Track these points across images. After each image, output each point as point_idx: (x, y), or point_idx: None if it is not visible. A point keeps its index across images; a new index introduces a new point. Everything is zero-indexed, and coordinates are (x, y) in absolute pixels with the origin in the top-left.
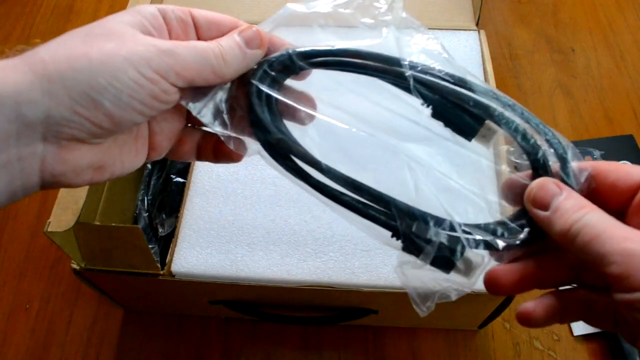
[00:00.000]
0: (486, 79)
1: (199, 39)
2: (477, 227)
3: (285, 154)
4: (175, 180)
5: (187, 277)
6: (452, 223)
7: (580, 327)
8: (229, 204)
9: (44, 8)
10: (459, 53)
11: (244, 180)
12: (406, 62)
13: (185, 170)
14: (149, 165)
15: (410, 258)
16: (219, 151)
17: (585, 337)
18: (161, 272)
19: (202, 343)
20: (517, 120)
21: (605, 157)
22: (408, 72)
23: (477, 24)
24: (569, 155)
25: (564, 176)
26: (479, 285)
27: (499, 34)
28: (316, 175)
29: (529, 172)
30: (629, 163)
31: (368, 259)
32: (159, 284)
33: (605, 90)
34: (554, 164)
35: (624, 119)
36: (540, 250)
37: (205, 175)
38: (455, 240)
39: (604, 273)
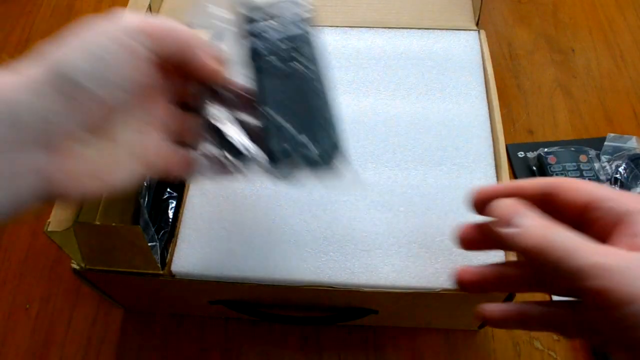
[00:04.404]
0: (486, 79)
1: None
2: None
3: None
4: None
5: (187, 277)
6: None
7: None
8: (229, 204)
9: (44, 8)
10: (458, 53)
11: (243, 180)
12: None
13: None
14: None
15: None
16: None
17: None
18: (161, 272)
19: (202, 343)
20: None
21: (602, 157)
22: None
23: (477, 24)
24: None
25: None
26: None
27: (499, 34)
28: None
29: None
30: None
31: (368, 259)
32: (159, 284)
33: (605, 90)
34: None
35: (624, 119)
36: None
37: None
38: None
39: (579, 288)
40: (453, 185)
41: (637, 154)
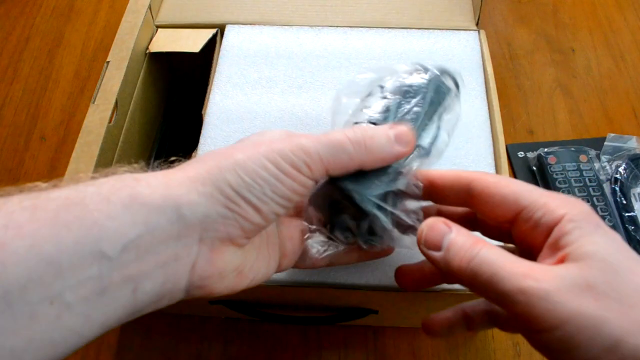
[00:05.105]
0: (486, 79)
1: None
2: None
3: None
4: None
5: None
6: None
7: None
8: None
9: (44, 8)
10: (458, 53)
11: None
12: None
13: None
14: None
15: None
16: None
17: None
18: None
19: (202, 343)
20: None
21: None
22: None
23: (477, 24)
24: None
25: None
26: None
27: (499, 34)
28: None
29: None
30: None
31: None
32: None
33: (605, 90)
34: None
35: (624, 119)
36: None
37: None
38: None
39: (509, 311)
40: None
41: (637, 154)
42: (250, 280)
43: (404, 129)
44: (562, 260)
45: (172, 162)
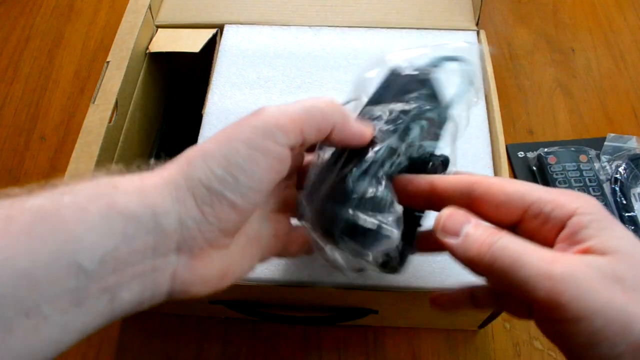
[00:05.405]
0: (486, 79)
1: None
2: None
3: None
4: None
5: None
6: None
7: None
8: None
9: (44, 8)
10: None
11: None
12: None
13: None
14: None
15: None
16: None
17: None
18: None
19: (202, 343)
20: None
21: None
22: None
23: (477, 24)
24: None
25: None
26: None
27: (499, 34)
28: None
29: None
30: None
31: None
32: None
33: (605, 90)
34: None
35: (624, 119)
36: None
37: None
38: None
39: (529, 298)
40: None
41: (637, 154)
42: (235, 279)
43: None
44: (584, 253)
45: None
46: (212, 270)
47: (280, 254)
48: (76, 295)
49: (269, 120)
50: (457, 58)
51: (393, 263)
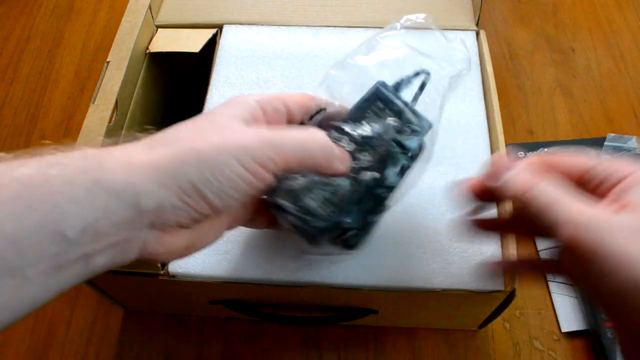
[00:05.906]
0: (486, 79)
1: (288, 121)
2: None
3: None
4: None
5: (186, 277)
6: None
7: (566, 324)
8: None
9: (44, 8)
10: None
11: None
12: None
13: None
14: None
15: None
16: None
17: (575, 334)
18: (161, 272)
19: (202, 343)
20: None
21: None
22: None
23: (477, 24)
24: None
25: None
26: (478, 285)
27: (499, 34)
28: None
29: None
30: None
31: (366, 260)
32: (159, 284)
33: (605, 90)
34: None
35: (624, 119)
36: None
37: None
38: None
39: (554, 237)
40: (450, 186)
41: (638, 154)
42: (200, 249)
43: (346, 154)
44: (621, 209)
45: None
46: (179, 243)
47: (247, 224)
48: (57, 260)
49: (267, 148)
50: (422, 72)
51: (350, 242)
